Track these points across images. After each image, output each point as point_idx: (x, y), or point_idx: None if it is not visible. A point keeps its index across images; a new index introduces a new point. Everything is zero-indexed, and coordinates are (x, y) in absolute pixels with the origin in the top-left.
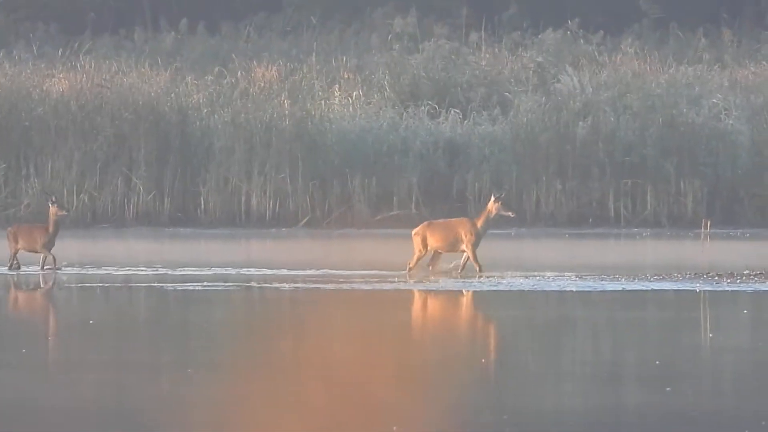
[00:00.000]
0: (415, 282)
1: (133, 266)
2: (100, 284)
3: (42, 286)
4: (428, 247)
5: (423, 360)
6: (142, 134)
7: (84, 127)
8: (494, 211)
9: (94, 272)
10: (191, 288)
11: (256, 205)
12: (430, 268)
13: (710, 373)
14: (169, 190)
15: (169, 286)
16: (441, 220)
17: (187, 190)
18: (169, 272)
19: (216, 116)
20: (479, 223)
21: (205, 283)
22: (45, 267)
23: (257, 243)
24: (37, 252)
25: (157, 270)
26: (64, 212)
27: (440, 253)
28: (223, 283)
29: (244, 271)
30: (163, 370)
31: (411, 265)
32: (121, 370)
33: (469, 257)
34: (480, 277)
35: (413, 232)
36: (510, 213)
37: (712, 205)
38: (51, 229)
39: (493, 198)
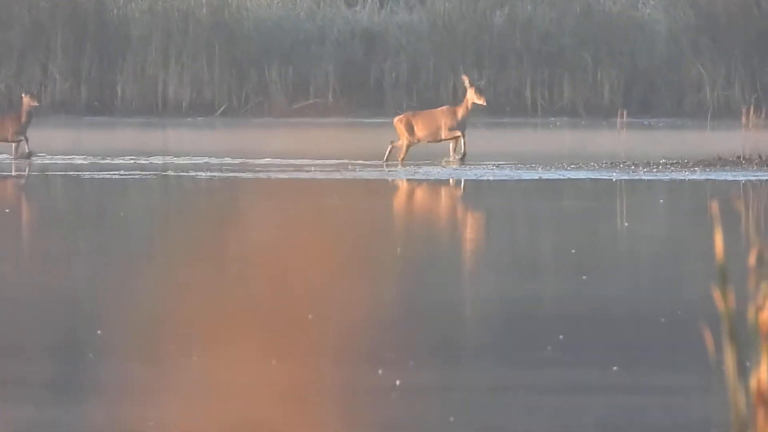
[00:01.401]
0: (331, 171)
1: (50, 154)
2: (16, 173)
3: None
4: (414, 135)
5: (340, 248)
6: (59, 23)
7: (0, 16)
8: (471, 100)
9: (9, 161)
10: (107, 176)
11: (173, 94)
12: (400, 159)
13: (626, 261)
14: (85, 78)
15: (85, 174)
16: (425, 111)
17: (104, 78)
18: (85, 160)
19: (133, 4)
20: (459, 111)
21: (121, 172)
22: (17, 156)
23: (174, 132)
24: (8, 141)
25: (73, 158)
26: (35, 102)
27: (455, 136)
28: (139, 172)
29: (160, 159)
30: (79, 259)
31: (400, 157)
32: (35, 260)
33: (455, 142)
34: (447, 164)
35: (396, 120)
36: (482, 101)
37: (628, 95)
38: (23, 118)
39: (470, 87)
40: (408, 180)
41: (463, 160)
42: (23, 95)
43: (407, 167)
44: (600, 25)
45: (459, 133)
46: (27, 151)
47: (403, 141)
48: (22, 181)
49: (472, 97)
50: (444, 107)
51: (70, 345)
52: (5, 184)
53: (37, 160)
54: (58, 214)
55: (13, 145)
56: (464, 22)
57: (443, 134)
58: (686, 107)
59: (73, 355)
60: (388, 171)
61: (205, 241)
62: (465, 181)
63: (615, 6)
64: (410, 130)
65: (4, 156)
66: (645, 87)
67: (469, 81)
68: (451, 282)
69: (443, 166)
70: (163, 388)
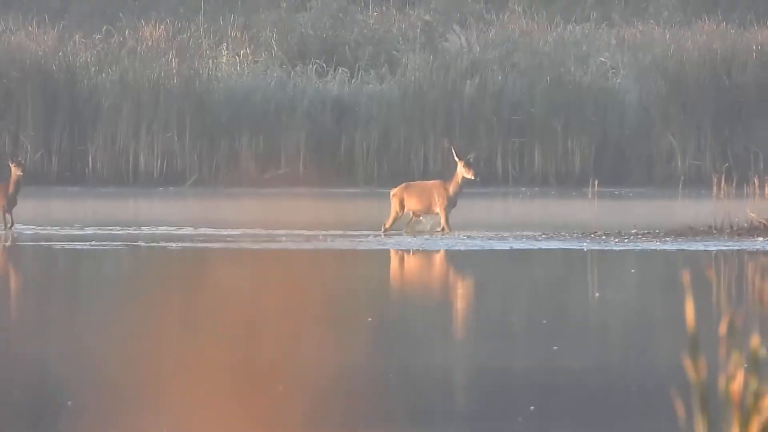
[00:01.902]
0: (303, 240)
1: (20, 224)
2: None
3: None
4: (405, 209)
5: (311, 316)
6: (29, 93)
7: None
8: (461, 175)
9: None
10: (79, 247)
11: (144, 164)
12: (405, 230)
13: (597, 331)
14: (56, 148)
15: (57, 244)
16: (417, 182)
17: (75, 148)
18: (57, 231)
19: (104, 75)
20: (450, 187)
21: (92, 242)
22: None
23: (145, 202)
24: None
25: (44, 228)
26: (19, 171)
27: (418, 215)
28: (110, 242)
29: (131, 229)
30: (51, 326)
31: (386, 226)
32: (5, 329)
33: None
34: (440, 234)
35: (391, 193)
36: (471, 175)
37: (599, 164)
38: (11, 188)
39: (459, 161)
40: (379, 249)
41: (441, 232)
42: (10, 164)
43: (378, 237)
44: (570, 94)
45: (444, 210)
46: (10, 224)
47: (391, 214)
48: None
49: (461, 171)
50: (437, 181)
51: (40, 414)
52: None
53: (16, 233)
54: (28, 283)
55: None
56: (435, 91)
57: (435, 208)
58: (657, 177)
59: (44, 425)
60: (376, 238)
61: (174, 310)
62: (436, 250)
63: (585, 75)
64: (401, 205)
65: None
66: (616, 156)
67: (457, 153)
68: (422, 350)
69: (429, 236)
70: None
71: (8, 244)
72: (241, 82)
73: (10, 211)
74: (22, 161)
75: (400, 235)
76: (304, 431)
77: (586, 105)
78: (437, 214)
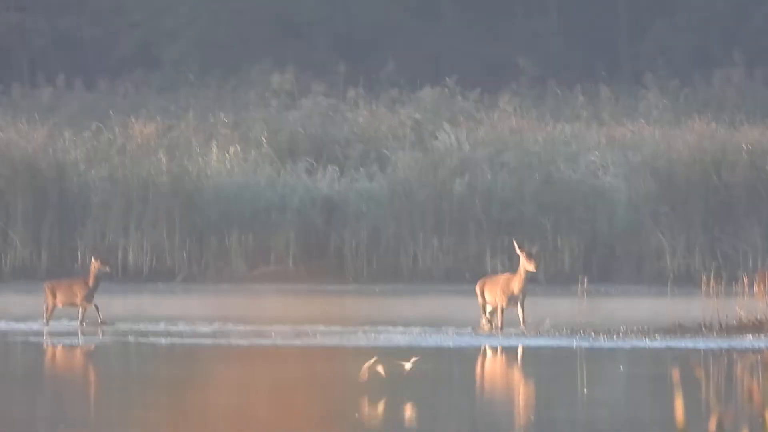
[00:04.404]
0: (291, 337)
1: (10, 321)
2: (84, 341)
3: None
4: (484, 300)
5: (298, 414)
6: (19, 189)
7: None
8: (523, 267)
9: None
10: (68, 343)
11: (133, 260)
12: (498, 323)
13: (586, 428)
14: (46, 244)
15: (45, 341)
16: (496, 276)
17: (64, 245)
18: (45, 327)
19: (93, 172)
20: (514, 281)
21: (82, 338)
22: (84, 321)
23: (134, 298)
24: (76, 305)
25: (32, 325)
26: (106, 268)
27: (502, 307)
28: (99, 338)
29: (120, 325)
30: (35, 426)
31: (485, 319)
32: None
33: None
34: (521, 329)
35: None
36: (533, 267)
37: (589, 262)
38: (91, 282)
39: (521, 252)
40: (367, 346)
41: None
42: (93, 259)
43: (368, 333)
44: (560, 193)
45: (502, 305)
46: (100, 319)
47: (480, 304)
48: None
49: (523, 263)
50: (507, 273)
51: None
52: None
53: (113, 326)
54: (17, 380)
55: (80, 310)
56: (424, 189)
57: (500, 301)
58: (646, 275)
59: None
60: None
61: (163, 406)
62: (425, 348)
63: (575, 174)
64: (482, 296)
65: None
66: (605, 254)
67: (519, 246)
68: None
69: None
70: None
71: (100, 338)
72: (231, 180)
73: (91, 306)
74: (107, 259)
75: (387, 332)
76: None
77: (576, 203)
78: (504, 307)
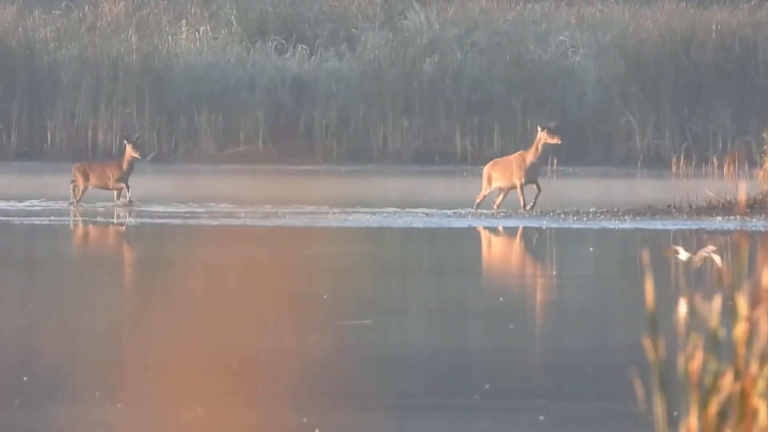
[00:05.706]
0: (261, 217)
1: None
2: (117, 221)
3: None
4: (491, 185)
5: (267, 294)
6: None
7: None
8: (542, 141)
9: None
10: (37, 222)
11: (102, 140)
12: (495, 206)
13: (554, 310)
14: (15, 124)
15: (15, 219)
16: (504, 157)
17: (34, 124)
18: (15, 206)
19: (63, 51)
20: (528, 156)
21: (51, 218)
22: (119, 201)
23: None
24: (109, 188)
25: (1, 204)
26: (138, 155)
27: (504, 191)
28: (69, 217)
29: (89, 205)
30: (5, 304)
31: (477, 200)
32: None
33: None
34: (523, 211)
35: (483, 169)
36: (556, 140)
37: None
38: (125, 166)
39: (539, 128)
40: (338, 227)
41: (533, 208)
42: (126, 143)
43: (336, 214)
44: (530, 73)
45: (521, 183)
46: (128, 198)
47: (481, 190)
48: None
49: (543, 137)
50: (518, 152)
51: None
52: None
53: (139, 207)
54: None
55: (115, 192)
56: (394, 69)
57: (517, 178)
58: (616, 156)
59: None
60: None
61: (133, 287)
62: (394, 228)
63: (545, 54)
64: (488, 181)
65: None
66: (575, 135)
67: (540, 126)
68: (378, 329)
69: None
70: None
71: (127, 219)
72: (200, 59)
73: (123, 187)
74: (139, 142)
75: (357, 213)
76: (258, 410)
77: (546, 84)
78: (515, 187)
